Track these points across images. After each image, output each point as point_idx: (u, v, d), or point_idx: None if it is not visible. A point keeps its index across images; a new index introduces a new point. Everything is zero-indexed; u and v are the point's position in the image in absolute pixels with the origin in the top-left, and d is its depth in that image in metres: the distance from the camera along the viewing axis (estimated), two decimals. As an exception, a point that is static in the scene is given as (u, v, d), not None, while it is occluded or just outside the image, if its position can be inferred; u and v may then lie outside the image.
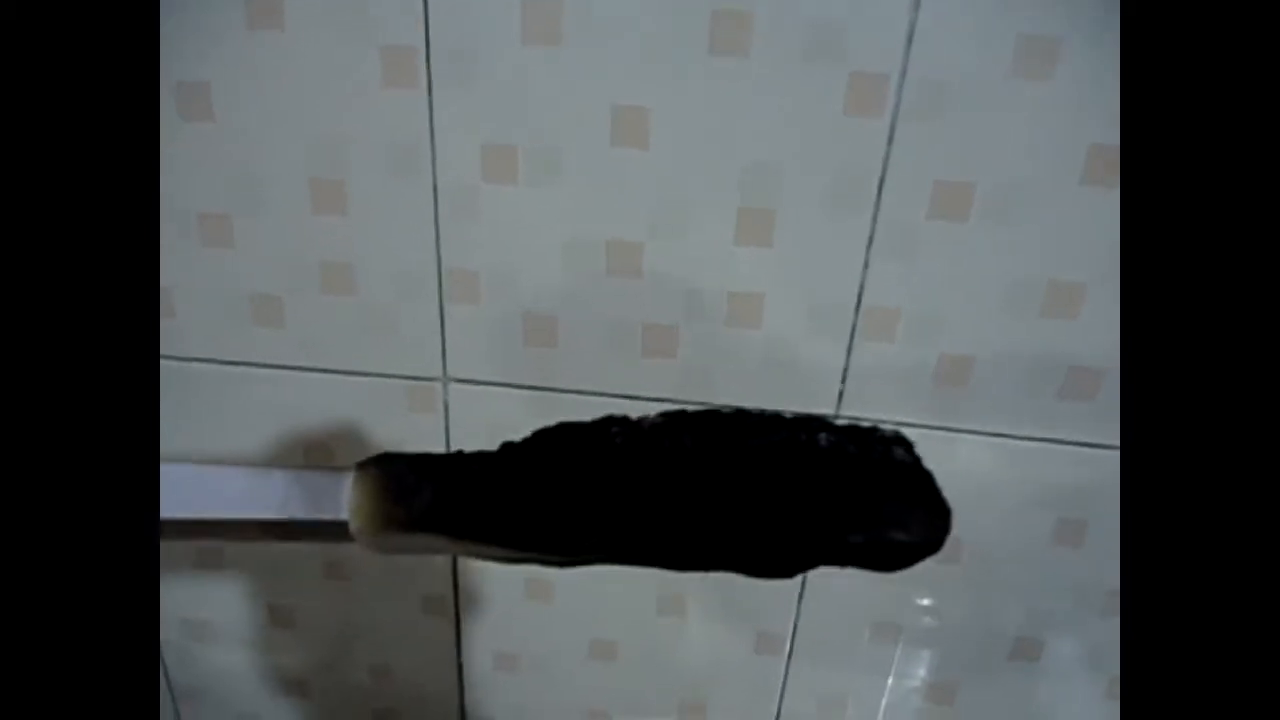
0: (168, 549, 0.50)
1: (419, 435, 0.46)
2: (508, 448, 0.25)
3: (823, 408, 0.43)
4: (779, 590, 0.49)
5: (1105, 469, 0.42)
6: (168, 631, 0.54)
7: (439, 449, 0.43)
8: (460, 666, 0.54)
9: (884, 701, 0.52)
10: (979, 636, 0.49)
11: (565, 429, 0.25)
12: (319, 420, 0.46)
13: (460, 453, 0.25)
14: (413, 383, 0.45)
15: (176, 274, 0.43)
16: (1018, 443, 0.43)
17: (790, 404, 0.39)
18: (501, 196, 0.40)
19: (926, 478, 0.24)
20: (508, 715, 0.56)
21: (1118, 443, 0.42)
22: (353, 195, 0.41)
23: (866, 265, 0.40)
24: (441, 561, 0.50)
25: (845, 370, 0.42)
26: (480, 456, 0.25)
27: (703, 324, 0.42)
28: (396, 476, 0.25)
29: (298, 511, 0.24)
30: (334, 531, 0.24)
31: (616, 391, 0.44)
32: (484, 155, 0.40)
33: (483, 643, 0.53)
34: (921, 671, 0.51)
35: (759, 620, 0.50)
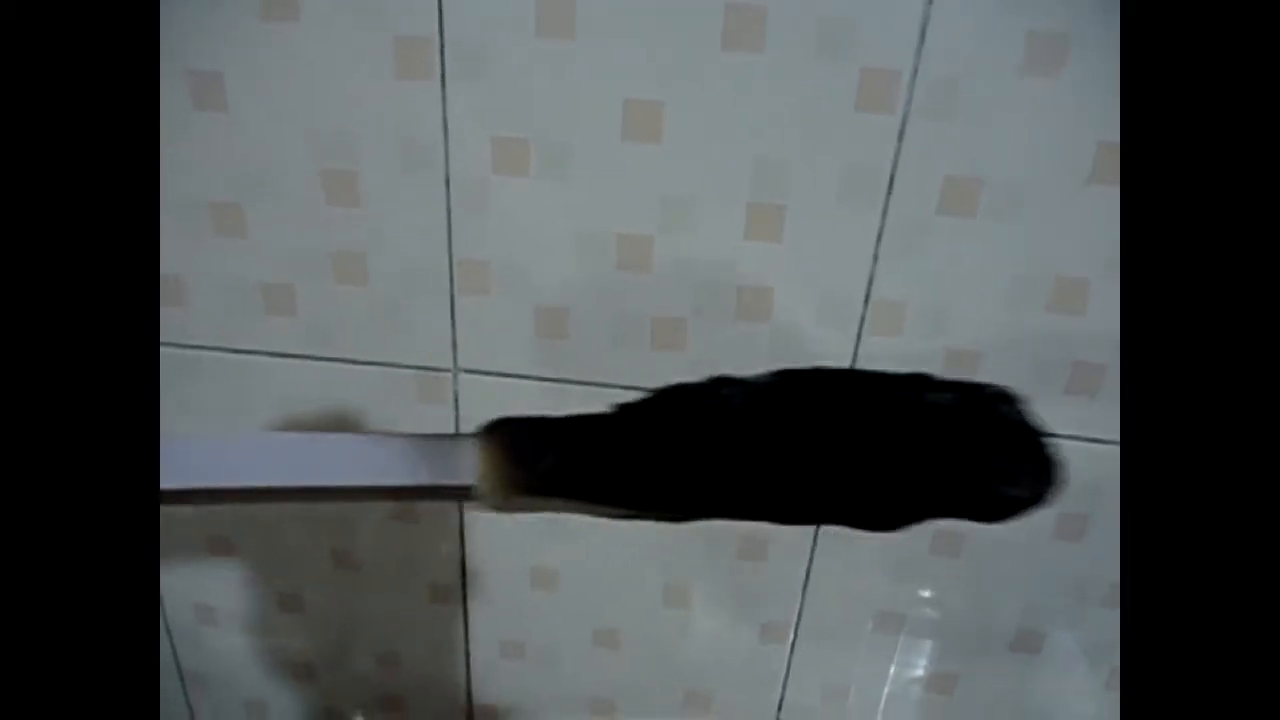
0: (178, 534, 0.51)
1: (428, 426, 0.46)
2: (624, 409, 0.26)
3: (829, 401, 0.43)
4: (783, 580, 0.49)
5: (1107, 464, 0.43)
6: (178, 616, 0.55)
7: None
8: (467, 655, 0.55)
9: (886, 691, 0.53)
10: (980, 628, 0.50)
11: (679, 390, 0.26)
12: (330, 409, 0.47)
13: (578, 415, 0.25)
14: (423, 373, 0.46)
15: (188, 263, 0.43)
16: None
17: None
18: (513, 189, 0.41)
19: (1033, 433, 0.25)
20: (513, 703, 0.57)
21: (1119, 438, 0.43)
22: (365, 187, 0.41)
23: (876, 259, 0.40)
24: (449, 550, 0.51)
25: (853, 362, 0.43)
26: (598, 419, 0.25)
27: (712, 317, 0.43)
28: (519, 442, 0.25)
29: (425, 477, 0.25)
30: (458, 494, 0.25)
31: (626, 383, 0.44)
32: (495, 148, 0.40)
33: (489, 631, 0.54)
34: (923, 662, 0.52)
35: (763, 610, 0.51)
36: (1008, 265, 0.40)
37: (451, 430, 0.47)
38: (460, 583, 0.52)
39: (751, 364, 0.43)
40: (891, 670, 0.52)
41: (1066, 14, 0.35)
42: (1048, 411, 0.42)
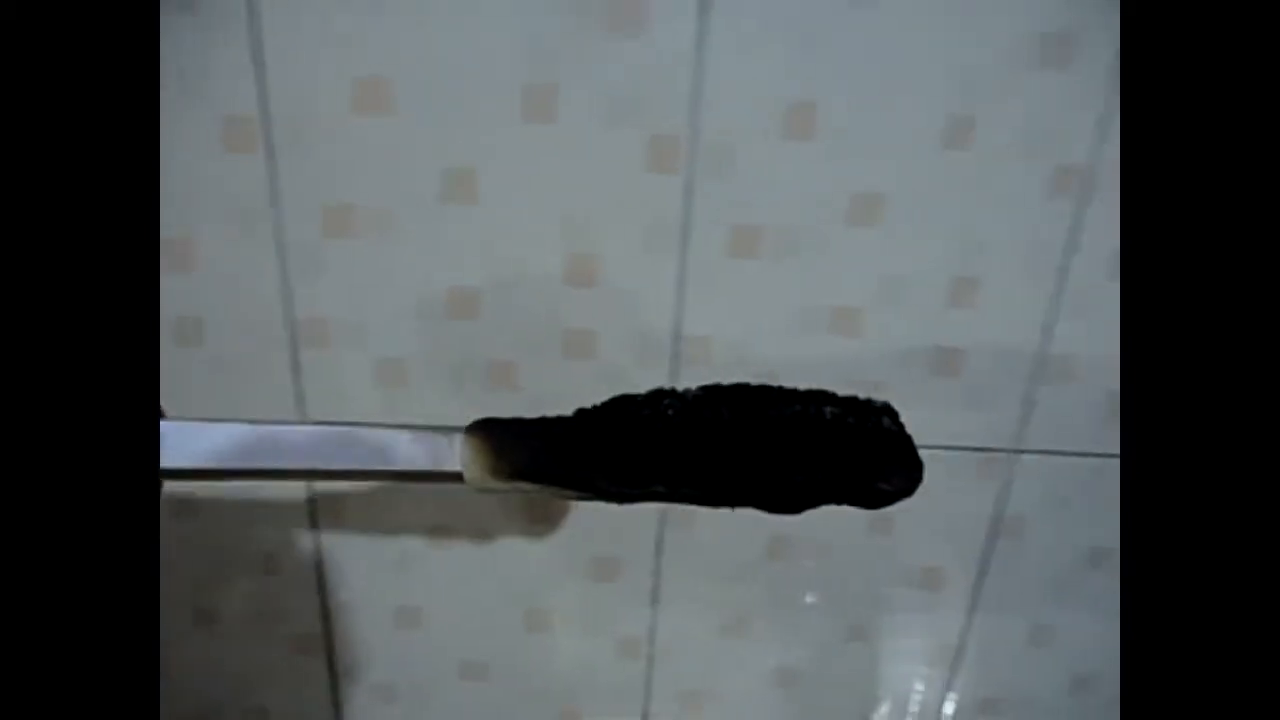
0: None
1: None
2: (582, 413, 0.32)
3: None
4: (634, 596, 0.53)
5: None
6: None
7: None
8: (337, 703, 0.56)
9: (739, 690, 0.57)
10: (817, 623, 0.55)
11: (627, 400, 0.32)
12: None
13: (546, 418, 0.32)
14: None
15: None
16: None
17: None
18: (348, 251, 0.44)
19: (906, 440, 0.31)
20: (388, 745, 0.57)
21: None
22: (201, 251, 0.43)
23: (681, 300, 0.46)
24: (309, 599, 0.52)
25: (671, 393, 0.47)
26: (562, 421, 0.31)
27: (541, 358, 0.46)
28: (498, 437, 0.30)
29: (422, 464, 0.30)
30: (448, 478, 0.30)
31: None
32: (325, 214, 0.43)
33: (357, 675, 0.55)
34: (770, 659, 0.56)
35: (619, 627, 0.54)
36: (793, 298, 0.46)
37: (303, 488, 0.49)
38: (323, 630, 0.53)
39: (580, 399, 0.47)
40: (741, 670, 0.56)
41: (815, 84, 0.41)
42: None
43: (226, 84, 0.40)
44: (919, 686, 0.58)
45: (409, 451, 0.30)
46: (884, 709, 0.58)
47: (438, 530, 0.51)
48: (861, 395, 0.31)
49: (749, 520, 0.46)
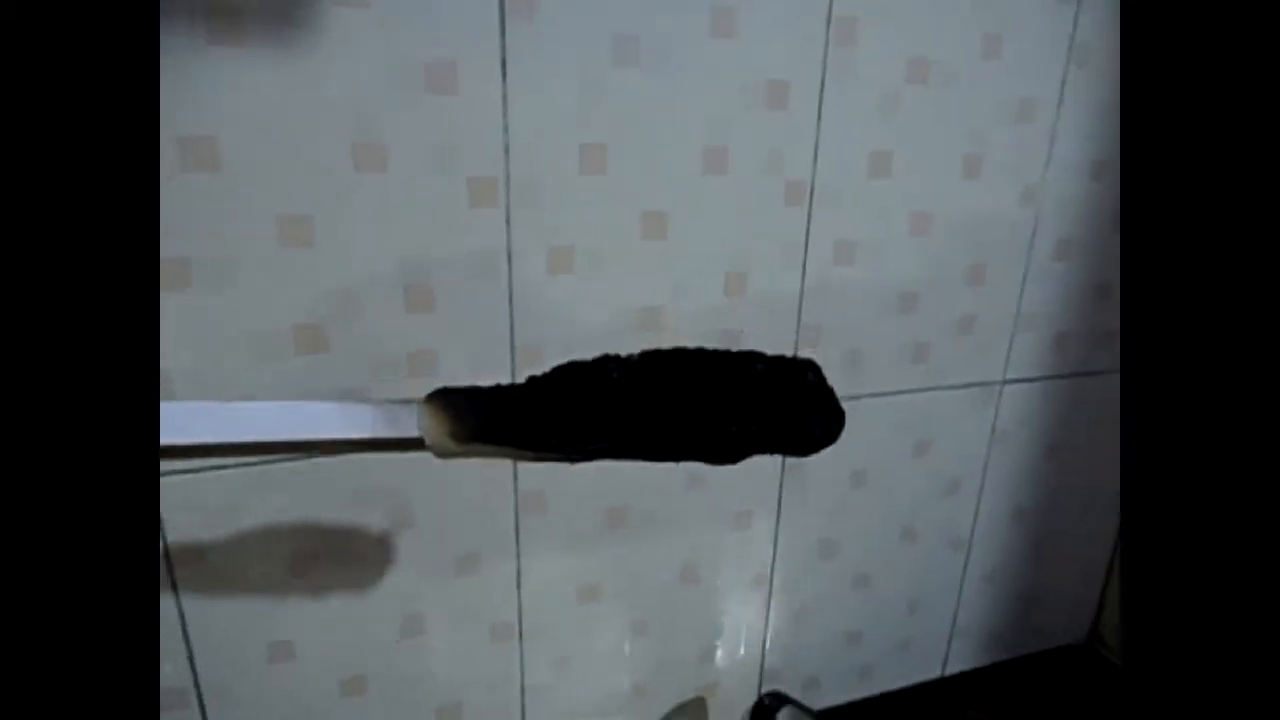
0: None
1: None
2: (533, 380, 0.33)
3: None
4: (500, 583, 0.59)
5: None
6: None
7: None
8: (211, 754, 0.55)
9: (598, 650, 0.65)
10: (652, 580, 0.65)
11: (575, 366, 0.33)
12: None
13: (499, 386, 0.33)
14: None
15: None
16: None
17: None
18: (179, 301, 0.45)
19: (829, 392, 0.34)
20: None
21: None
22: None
23: (511, 316, 0.53)
24: (176, 651, 0.52)
25: (513, 396, 0.54)
26: (514, 387, 0.33)
27: (388, 384, 0.51)
28: (455, 405, 0.32)
29: (384, 432, 0.31)
30: (411, 445, 0.32)
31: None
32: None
33: (232, 717, 0.55)
34: (620, 617, 0.65)
35: (491, 615, 0.60)
36: (605, 304, 0.55)
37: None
38: (193, 682, 0.53)
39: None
40: (596, 631, 0.65)
41: (603, 128, 0.51)
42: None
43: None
44: (743, 618, 0.70)
45: (374, 422, 0.31)
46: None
47: (299, 560, 0.53)
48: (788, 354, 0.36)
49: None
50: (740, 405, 0.33)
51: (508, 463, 0.56)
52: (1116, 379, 0.76)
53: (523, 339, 0.53)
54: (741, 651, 0.71)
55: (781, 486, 0.66)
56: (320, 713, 0.57)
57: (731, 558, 0.67)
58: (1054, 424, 0.75)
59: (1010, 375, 0.71)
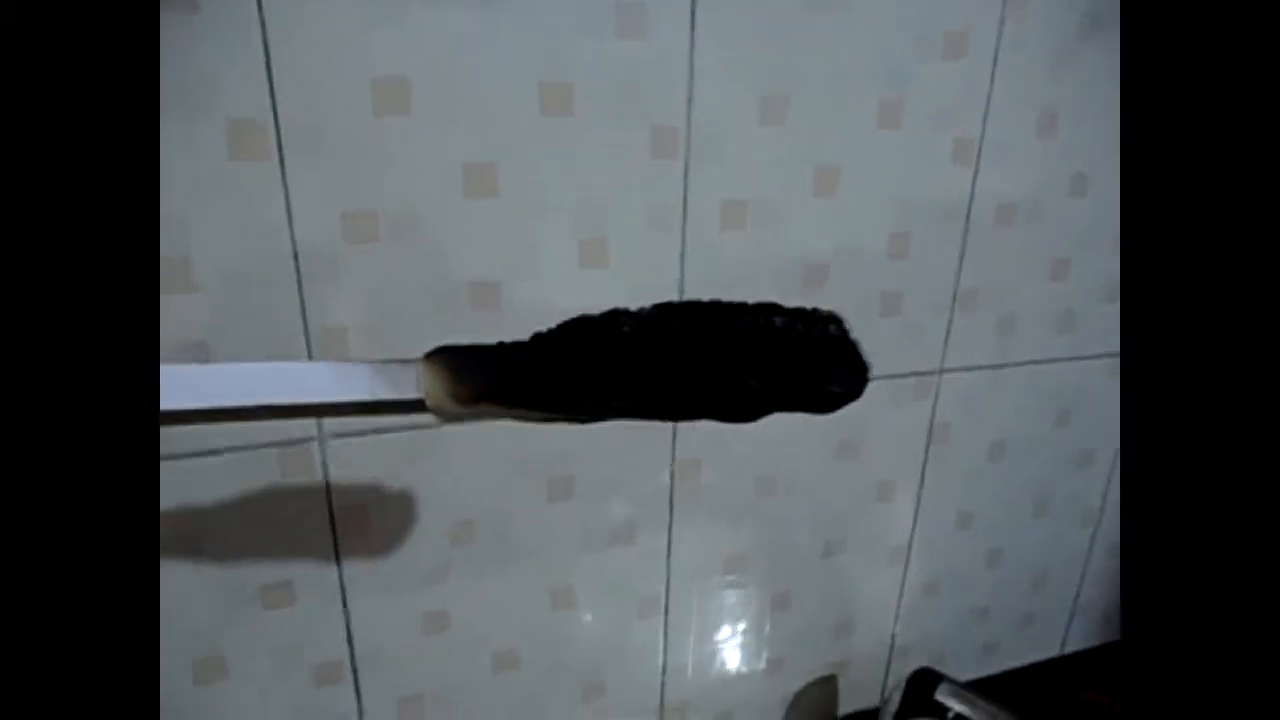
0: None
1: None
2: (539, 337, 0.31)
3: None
4: (651, 555, 0.57)
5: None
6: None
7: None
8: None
9: (740, 627, 0.63)
10: (796, 549, 0.63)
11: (584, 321, 0.31)
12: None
13: (503, 343, 0.31)
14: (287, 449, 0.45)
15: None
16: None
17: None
18: (364, 253, 0.43)
19: (852, 346, 0.32)
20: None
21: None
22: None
23: (682, 277, 0.51)
24: (334, 618, 0.50)
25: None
26: (519, 345, 0.31)
27: (562, 341, 0.49)
28: (457, 364, 0.30)
29: (384, 394, 0.29)
30: (412, 407, 0.30)
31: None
32: (344, 221, 0.42)
33: (385, 689, 0.53)
34: (761, 591, 0.63)
35: (641, 588, 0.58)
36: (773, 262, 0.53)
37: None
38: (349, 653, 0.51)
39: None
40: (738, 603, 0.63)
41: (792, 79, 0.48)
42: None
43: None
44: (882, 588, 0.68)
45: (371, 383, 0.30)
46: (855, 611, 0.68)
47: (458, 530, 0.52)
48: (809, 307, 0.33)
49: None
50: (760, 359, 0.31)
51: (668, 428, 0.54)
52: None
53: (693, 296, 0.51)
54: (874, 627, 0.69)
55: (927, 455, 0.64)
56: (472, 686, 0.56)
57: (873, 529, 0.65)
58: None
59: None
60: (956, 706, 0.56)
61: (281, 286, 0.42)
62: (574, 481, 0.53)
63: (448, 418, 0.30)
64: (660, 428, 0.54)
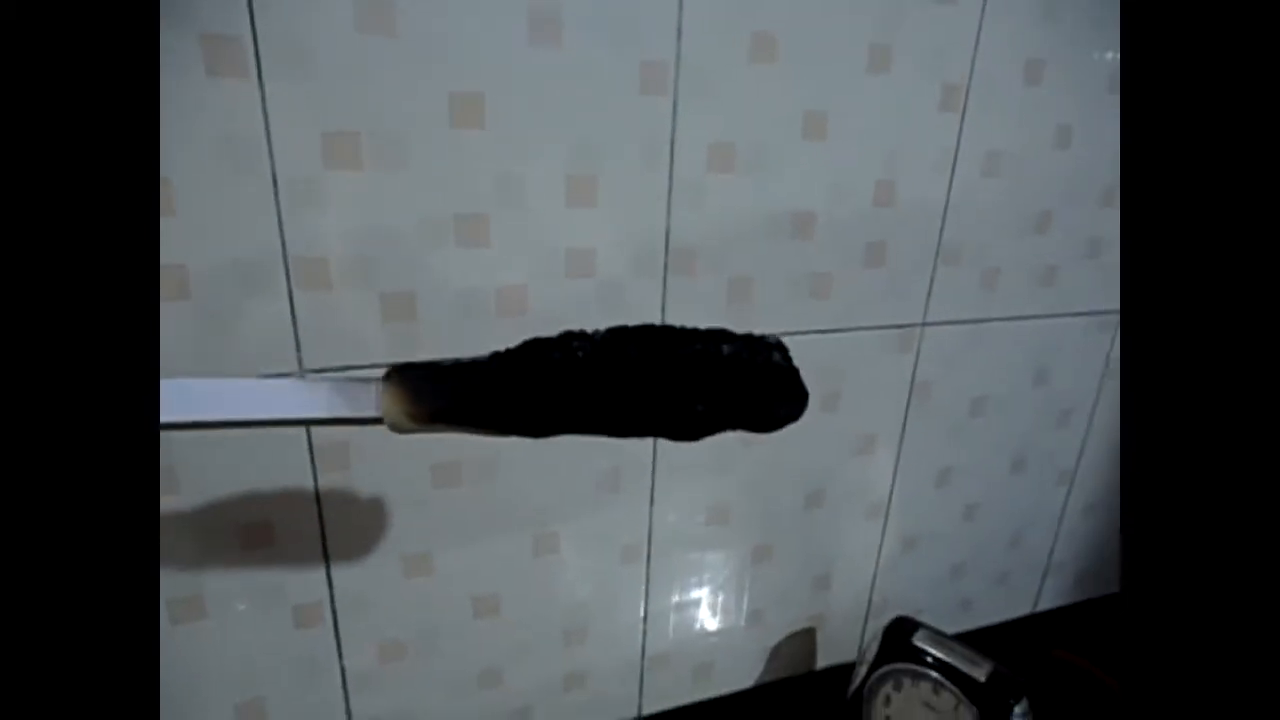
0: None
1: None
2: (496, 356, 0.32)
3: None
4: (635, 503, 0.57)
5: (848, 346, 0.59)
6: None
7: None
8: (344, 670, 0.53)
9: (723, 575, 0.64)
10: (777, 502, 0.63)
11: (538, 343, 0.32)
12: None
13: (461, 361, 0.32)
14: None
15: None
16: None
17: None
18: (350, 179, 0.42)
19: (793, 373, 0.35)
20: (398, 705, 0.56)
21: (847, 326, 0.58)
22: (180, 194, 0.40)
23: (669, 219, 0.50)
24: (313, 558, 0.49)
25: (663, 303, 0.52)
26: (477, 364, 0.32)
27: (548, 282, 0.49)
28: (415, 385, 0.31)
29: (343, 412, 0.31)
30: (371, 422, 0.31)
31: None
32: (325, 143, 0.41)
33: (366, 632, 0.53)
34: (743, 543, 0.63)
35: (624, 536, 0.58)
36: (760, 207, 0.52)
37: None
38: (329, 595, 0.50)
39: (581, 317, 0.50)
40: (720, 555, 0.63)
41: (783, 14, 0.48)
42: (789, 306, 0.56)
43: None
44: (860, 540, 0.69)
45: (329, 400, 0.31)
46: (840, 562, 0.69)
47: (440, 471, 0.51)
48: (756, 333, 0.35)
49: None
50: (706, 386, 0.33)
51: (653, 373, 0.54)
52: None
53: (678, 240, 0.51)
54: (852, 582, 0.70)
55: (908, 410, 0.64)
56: (453, 631, 0.55)
57: (853, 484, 0.65)
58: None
59: (1129, 304, 0.70)
60: (935, 651, 0.57)
61: (260, 211, 0.41)
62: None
63: (404, 433, 0.32)
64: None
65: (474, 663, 0.57)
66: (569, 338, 0.33)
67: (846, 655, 0.72)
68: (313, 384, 0.31)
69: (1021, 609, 0.81)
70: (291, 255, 0.43)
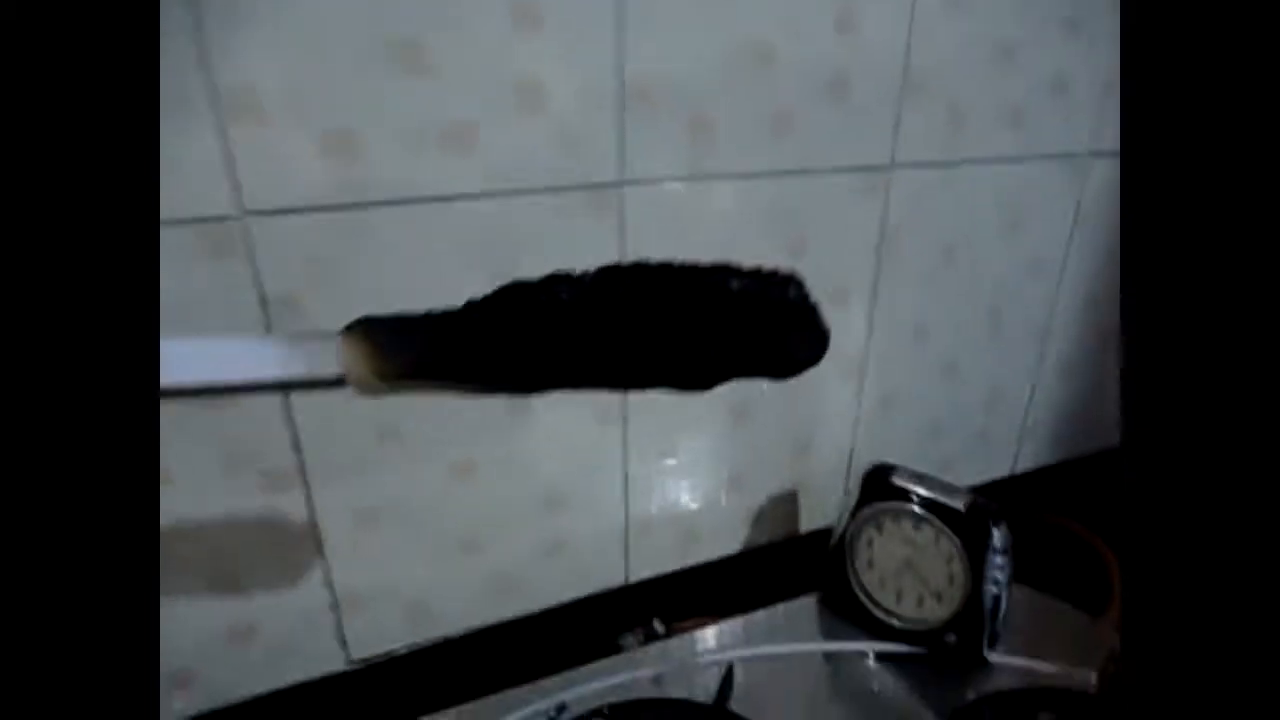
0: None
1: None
2: (471, 305, 0.29)
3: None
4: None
5: (814, 189, 0.57)
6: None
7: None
8: (319, 539, 0.52)
9: (698, 436, 0.63)
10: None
11: (519, 287, 0.29)
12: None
13: (432, 312, 0.29)
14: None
15: None
16: (753, 181, 0.55)
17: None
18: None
19: (812, 310, 0.30)
20: (376, 575, 0.55)
21: (811, 167, 0.57)
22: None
23: (621, 48, 0.48)
24: (278, 425, 0.48)
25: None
26: (449, 315, 0.29)
27: (496, 118, 0.46)
28: (381, 338, 0.28)
29: (299, 372, 0.28)
30: (333, 383, 0.28)
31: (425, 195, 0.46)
32: (242, -47, 0.38)
33: (338, 499, 0.52)
34: (721, 404, 0.63)
35: (596, 396, 0.57)
36: (717, 37, 0.50)
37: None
38: (299, 464, 0.49)
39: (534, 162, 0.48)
40: (698, 417, 0.63)
41: None
42: (752, 147, 0.54)
43: None
44: (837, 410, 0.69)
45: (286, 359, 0.28)
46: (818, 431, 0.68)
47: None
48: (767, 267, 0.31)
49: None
50: (715, 328, 0.29)
51: (612, 223, 0.52)
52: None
53: (634, 70, 0.49)
54: (832, 443, 0.70)
55: (879, 258, 0.63)
56: (429, 497, 0.55)
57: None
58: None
59: (1099, 148, 0.69)
60: (914, 488, 0.57)
61: (178, 31, 0.39)
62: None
63: (371, 394, 0.29)
64: (605, 224, 0.52)
65: (452, 532, 0.57)
66: (553, 280, 0.29)
67: (830, 518, 0.73)
68: (264, 342, 0.29)
69: (1000, 470, 0.82)
70: (220, 85, 0.40)
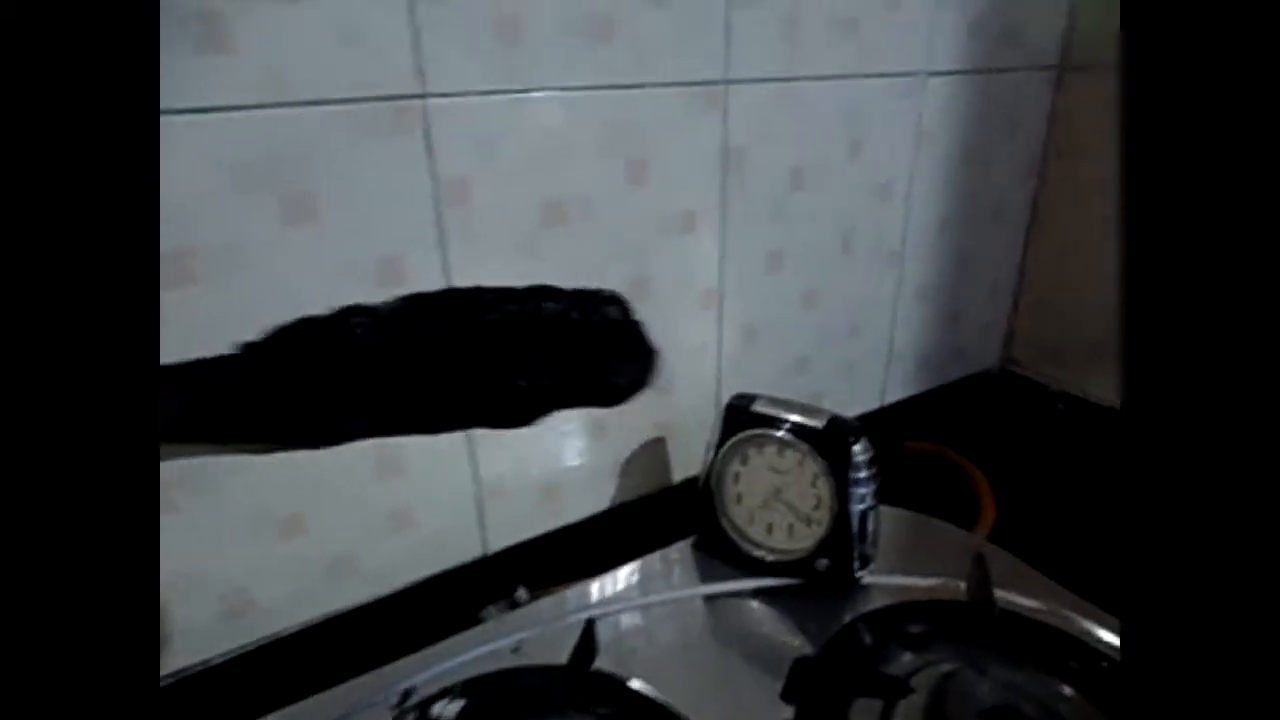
0: None
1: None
2: (251, 348, 0.25)
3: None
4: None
5: (646, 104, 0.53)
6: None
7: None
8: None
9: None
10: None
11: (306, 324, 0.25)
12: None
13: (203, 359, 0.24)
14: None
15: None
16: (579, 93, 0.51)
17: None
18: None
19: (635, 329, 0.29)
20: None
21: (643, 80, 0.53)
22: None
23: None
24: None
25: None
26: (225, 360, 0.24)
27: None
28: None
29: None
30: None
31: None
32: None
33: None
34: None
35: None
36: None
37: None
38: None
39: (317, 61, 0.41)
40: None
41: None
42: (568, 54, 0.50)
43: None
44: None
45: None
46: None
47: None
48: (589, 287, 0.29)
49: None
50: (527, 355, 0.27)
51: (416, 117, 0.47)
52: (1026, 76, 0.76)
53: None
54: (696, 381, 0.67)
55: (725, 182, 0.61)
56: (235, 466, 0.47)
57: (680, 267, 0.61)
58: (970, 124, 0.74)
59: (934, 67, 0.69)
60: (774, 413, 0.54)
61: None
62: (317, 204, 0.44)
63: None
64: (408, 144, 0.46)
65: (267, 507, 0.49)
66: (346, 315, 0.26)
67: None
68: None
69: (870, 403, 0.82)
70: None
